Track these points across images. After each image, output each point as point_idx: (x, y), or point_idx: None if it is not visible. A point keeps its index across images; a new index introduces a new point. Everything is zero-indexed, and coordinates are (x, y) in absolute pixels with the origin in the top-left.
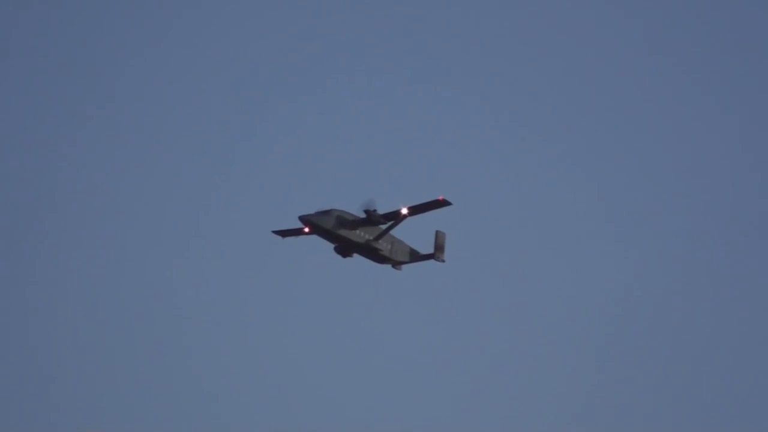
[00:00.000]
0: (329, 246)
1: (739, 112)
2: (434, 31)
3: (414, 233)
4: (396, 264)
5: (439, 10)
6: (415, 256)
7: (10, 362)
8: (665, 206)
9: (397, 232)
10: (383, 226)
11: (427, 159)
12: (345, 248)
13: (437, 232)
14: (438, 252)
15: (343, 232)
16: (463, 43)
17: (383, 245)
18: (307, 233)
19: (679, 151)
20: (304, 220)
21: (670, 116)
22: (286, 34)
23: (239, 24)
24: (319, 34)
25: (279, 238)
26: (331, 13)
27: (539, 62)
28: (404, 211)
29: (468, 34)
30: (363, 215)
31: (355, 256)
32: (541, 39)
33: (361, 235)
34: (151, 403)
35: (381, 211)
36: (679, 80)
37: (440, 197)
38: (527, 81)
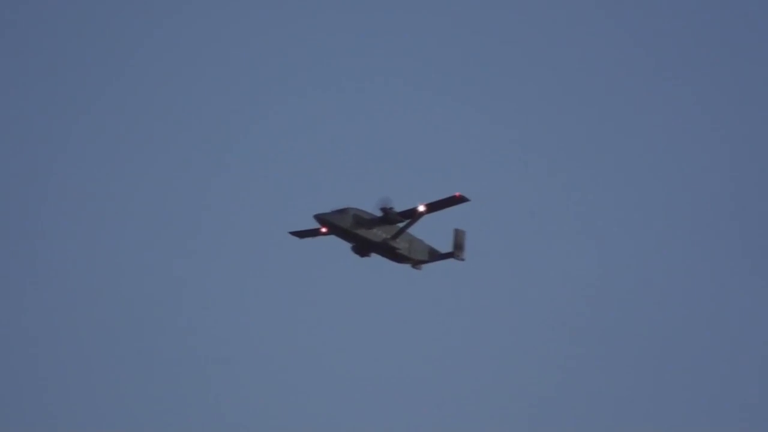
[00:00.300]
0: (347, 246)
1: (732, 112)
2: (448, 29)
3: (432, 233)
4: (415, 263)
5: (452, 8)
6: (435, 255)
7: (12, 364)
8: (683, 205)
9: (415, 231)
10: (400, 225)
11: (436, 157)
12: (363, 248)
13: (456, 231)
14: (457, 250)
15: (361, 231)
16: (475, 41)
17: (401, 244)
18: (324, 233)
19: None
20: (319, 219)
21: (679, 117)
22: (296, 32)
23: (252, 21)
24: (329, 32)
25: (296, 239)
26: (345, 11)
27: (550, 61)
28: (421, 208)
29: (480, 31)
30: (379, 214)
31: (373, 255)
32: (552, 37)
33: (378, 234)
34: (177, 410)
35: (397, 209)
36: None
37: (457, 194)
38: (538, 80)
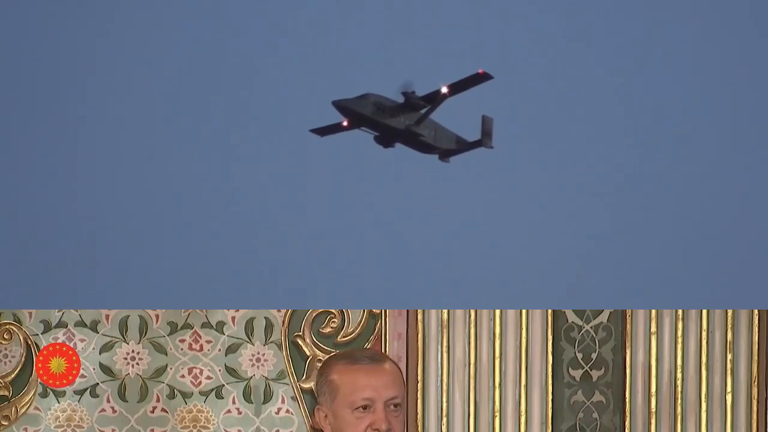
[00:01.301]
0: (369, 138)
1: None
2: None
3: (456, 123)
4: (442, 154)
5: None
6: (461, 144)
7: None
8: None
9: (440, 120)
10: (423, 111)
11: (445, 41)
12: (386, 137)
13: (484, 117)
14: (486, 138)
15: (383, 119)
16: None
17: (425, 131)
18: (346, 128)
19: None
20: (338, 105)
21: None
22: None
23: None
24: None
25: (317, 137)
26: None
27: None
28: (444, 90)
29: None
30: (401, 99)
31: (398, 145)
32: None
33: (401, 121)
34: None
35: (418, 93)
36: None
37: (480, 70)
38: None
